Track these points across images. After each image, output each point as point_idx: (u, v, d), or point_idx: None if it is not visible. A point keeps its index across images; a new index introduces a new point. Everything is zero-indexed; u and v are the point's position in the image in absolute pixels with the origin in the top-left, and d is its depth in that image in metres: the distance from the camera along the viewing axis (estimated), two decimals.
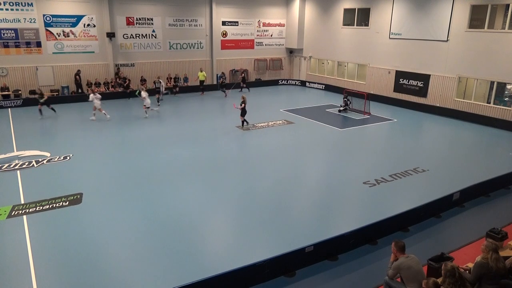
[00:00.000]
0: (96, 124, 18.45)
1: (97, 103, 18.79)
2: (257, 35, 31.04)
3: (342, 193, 11.32)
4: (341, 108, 21.78)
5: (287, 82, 31.78)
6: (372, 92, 23.97)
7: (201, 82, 26.37)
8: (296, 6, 30.44)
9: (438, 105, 21.71)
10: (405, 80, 23.60)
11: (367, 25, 25.77)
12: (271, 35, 31.64)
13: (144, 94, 19.56)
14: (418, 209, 9.49)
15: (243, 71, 29.45)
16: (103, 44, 25.24)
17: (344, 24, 27.50)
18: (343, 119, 20.49)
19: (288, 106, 22.97)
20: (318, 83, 29.73)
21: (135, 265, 7.74)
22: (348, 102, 21.91)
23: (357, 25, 26.64)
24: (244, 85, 27.57)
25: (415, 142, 17.05)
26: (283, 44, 32.31)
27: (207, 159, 13.81)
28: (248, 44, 30.79)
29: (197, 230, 9.10)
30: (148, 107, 19.59)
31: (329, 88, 28.65)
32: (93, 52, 25.14)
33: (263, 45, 31.43)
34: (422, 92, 22.58)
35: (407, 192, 11.32)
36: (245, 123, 17.79)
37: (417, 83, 22.86)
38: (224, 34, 29.49)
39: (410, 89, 23.30)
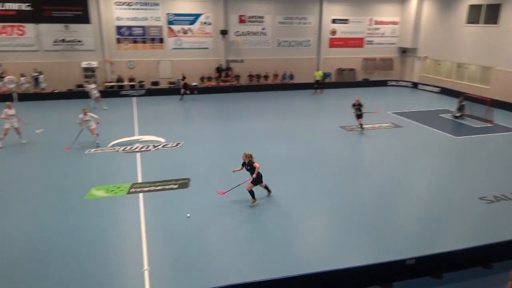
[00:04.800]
0: (207, 115, 19.75)
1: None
2: (368, 33, 29.88)
3: (453, 207, 10.29)
4: (457, 114, 19.80)
5: (397, 83, 30.02)
6: (497, 98, 21.32)
7: (317, 81, 26.31)
8: (413, 2, 28.49)
9: None
10: None
11: (496, 22, 22.96)
12: (383, 34, 30.17)
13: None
14: None
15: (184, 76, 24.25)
16: (216, 41, 26.79)
17: (467, 22, 24.90)
18: (459, 126, 18.62)
19: (397, 108, 21.67)
20: (432, 86, 27.47)
21: (229, 250, 8.08)
22: (464, 107, 19.79)
23: (483, 23, 23.91)
24: (187, 91, 23.66)
25: None
26: (395, 43, 30.57)
27: (309, 156, 13.76)
28: (357, 42, 29.84)
29: (292, 223, 9.14)
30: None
31: (445, 91, 26.27)
32: (207, 48, 26.86)
33: (373, 43, 30.16)
34: None
35: None
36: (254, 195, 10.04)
37: None
38: (333, 32, 29.01)
39: None
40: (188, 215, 8.68)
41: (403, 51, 30.60)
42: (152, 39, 25.87)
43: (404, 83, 29.78)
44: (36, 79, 23.93)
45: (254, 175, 9.66)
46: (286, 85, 27.54)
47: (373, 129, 17.42)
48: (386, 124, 18.17)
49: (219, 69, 27.04)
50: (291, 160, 13.39)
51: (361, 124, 16.56)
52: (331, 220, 9.58)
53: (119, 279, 7.30)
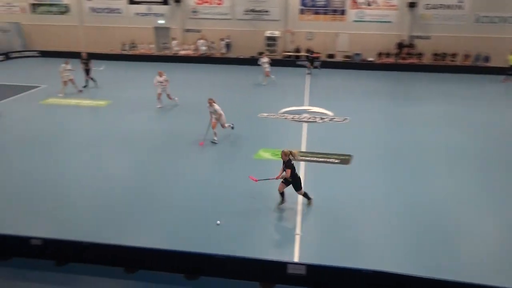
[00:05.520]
0: (380, 92, 19.01)
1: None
2: None
3: None
4: None
5: None
6: None
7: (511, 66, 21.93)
8: None
9: None
10: None
11: None
12: None
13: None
14: None
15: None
16: (401, 14, 24.85)
17: None
18: None
19: None
20: None
21: (381, 236, 7.72)
22: None
23: None
24: (315, 66, 23.65)
25: None
26: None
27: (485, 154, 11.85)
28: None
29: (454, 224, 8.15)
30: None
31: None
32: (390, 22, 25.21)
33: None
34: None
35: None
36: (283, 199, 8.84)
37: None
38: None
39: None
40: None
41: None
42: (334, 11, 25.67)
43: None
44: (227, 45, 27.08)
45: (287, 175, 8.36)
46: (477, 68, 23.85)
47: None
48: None
49: (400, 45, 25.17)
50: (460, 156, 11.74)
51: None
52: (503, 232, 8.16)
53: (272, 235, 7.90)
